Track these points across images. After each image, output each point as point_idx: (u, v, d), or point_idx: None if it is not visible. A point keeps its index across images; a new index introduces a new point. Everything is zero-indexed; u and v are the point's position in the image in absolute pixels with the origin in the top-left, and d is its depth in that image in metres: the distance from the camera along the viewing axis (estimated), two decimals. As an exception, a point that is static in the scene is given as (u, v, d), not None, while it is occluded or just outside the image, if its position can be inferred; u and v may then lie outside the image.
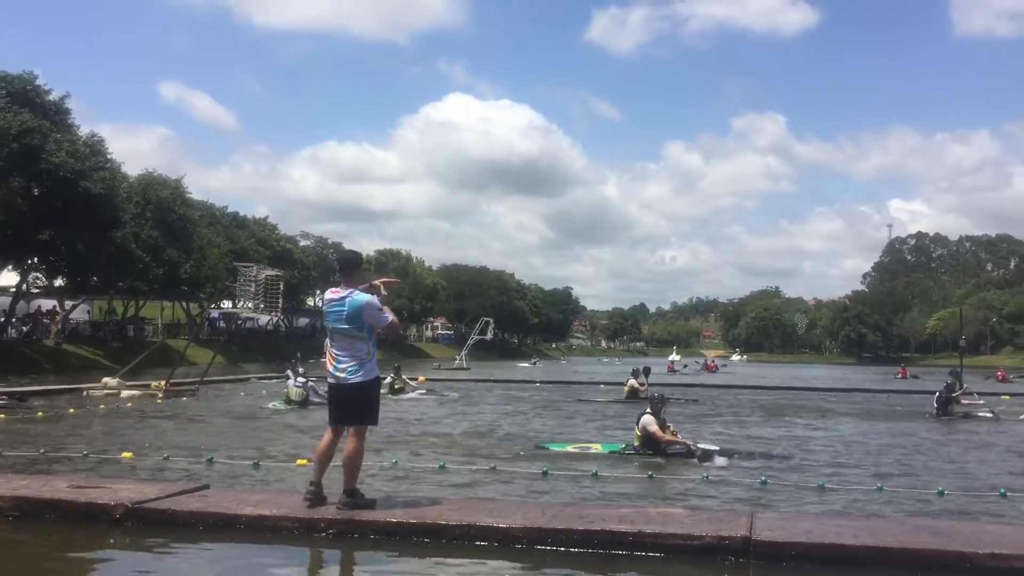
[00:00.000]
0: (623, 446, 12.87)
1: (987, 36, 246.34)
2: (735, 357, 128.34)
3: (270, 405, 20.24)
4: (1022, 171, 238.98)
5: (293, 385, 20.49)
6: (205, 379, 26.24)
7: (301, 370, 21.53)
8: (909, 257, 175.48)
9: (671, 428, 12.69)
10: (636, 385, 24.15)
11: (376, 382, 6.83)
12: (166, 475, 9.82)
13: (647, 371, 25.25)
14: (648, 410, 12.61)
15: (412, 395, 24.77)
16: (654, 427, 12.31)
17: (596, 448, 12.97)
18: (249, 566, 6.05)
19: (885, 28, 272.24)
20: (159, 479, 9.24)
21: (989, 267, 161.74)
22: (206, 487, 7.81)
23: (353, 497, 6.64)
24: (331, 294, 6.83)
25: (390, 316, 6.70)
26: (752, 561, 5.70)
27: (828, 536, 5.94)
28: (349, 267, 6.93)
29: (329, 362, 6.80)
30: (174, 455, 11.36)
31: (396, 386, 24.60)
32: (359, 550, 6.21)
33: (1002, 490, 9.46)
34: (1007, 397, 28.89)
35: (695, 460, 11.75)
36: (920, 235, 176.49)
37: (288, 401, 20.11)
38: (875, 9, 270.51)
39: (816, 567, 5.64)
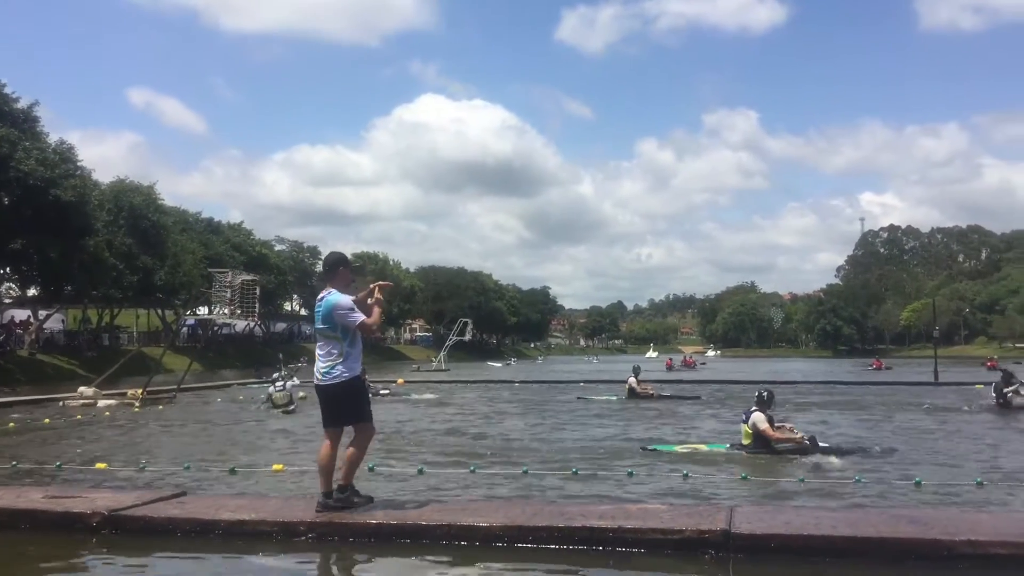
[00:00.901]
0: (728, 445, 12.58)
1: (952, 29, 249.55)
2: (709, 353, 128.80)
3: (261, 407, 20.89)
4: (991, 163, 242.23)
5: (274, 390, 21.09)
6: (182, 386, 26.05)
7: (284, 373, 22.40)
8: (882, 250, 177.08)
9: (787, 425, 12.48)
10: (633, 384, 23.97)
11: (350, 382, 6.69)
12: (143, 483, 9.73)
13: (636, 370, 25.08)
14: (755, 408, 12.32)
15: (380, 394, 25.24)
16: (765, 425, 12.05)
17: (703, 448, 12.65)
18: (228, 572, 6.00)
19: (853, 23, 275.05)
20: (136, 487, 9.16)
21: (961, 258, 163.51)
22: (183, 494, 7.75)
23: (345, 493, 6.62)
24: (320, 295, 6.85)
25: (360, 317, 6.63)
26: (732, 554, 5.73)
27: (806, 527, 5.98)
28: (329, 267, 6.97)
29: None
30: (151, 463, 11.26)
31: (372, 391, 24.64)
32: (339, 553, 6.18)
33: (977, 479, 9.55)
34: (980, 386, 29.19)
35: (806, 458, 11.51)
36: (892, 228, 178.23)
37: (274, 404, 20.70)
38: (842, 5, 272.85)
39: (795, 558, 5.67)
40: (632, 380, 24.14)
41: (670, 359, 62.17)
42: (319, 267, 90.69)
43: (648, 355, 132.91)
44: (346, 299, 6.69)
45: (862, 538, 5.76)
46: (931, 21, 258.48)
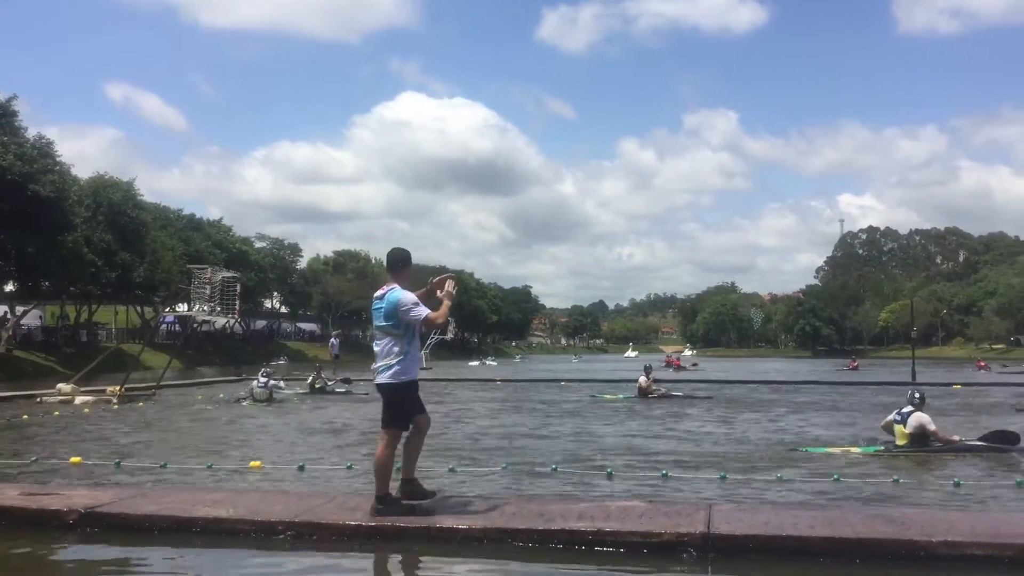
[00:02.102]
0: (881, 447, 12.35)
1: (930, 33, 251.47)
2: (686, 352, 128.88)
3: (244, 403, 21.83)
4: (969, 166, 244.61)
5: (256, 386, 22.55)
6: (161, 383, 25.87)
7: (270, 370, 24.28)
8: (861, 251, 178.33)
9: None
10: (643, 383, 23.75)
11: (406, 385, 6.59)
12: (120, 480, 9.65)
13: (648, 369, 24.85)
14: (911, 408, 12.07)
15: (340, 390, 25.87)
16: (934, 426, 11.89)
17: (855, 451, 12.36)
18: (204, 569, 5.97)
19: (832, 25, 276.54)
20: (113, 484, 9.08)
21: (939, 260, 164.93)
22: (160, 491, 7.71)
23: (384, 504, 6.44)
24: (378, 291, 6.75)
25: (425, 312, 6.49)
26: (711, 554, 5.76)
27: (785, 528, 6.02)
28: (395, 264, 6.81)
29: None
30: (129, 460, 11.16)
31: (316, 385, 25.53)
32: (317, 552, 6.15)
33: (956, 480, 9.62)
34: (958, 386, 29.50)
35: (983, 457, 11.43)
36: (871, 229, 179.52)
37: (256, 400, 22.03)
38: (822, 7, 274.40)
39: (774, 558, 5.70)
40: (643, 379, 23.97)
41: (677, 359, 61.06)
42: (300, 264, 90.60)
43: (627, 354, 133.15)
44: (410, 295, 6.58)
45: (839, 538, 5.80)
46: (909, 25, 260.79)
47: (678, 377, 40.22)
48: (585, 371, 47.50)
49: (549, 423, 17.34)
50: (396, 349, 6.53)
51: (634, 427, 16.58)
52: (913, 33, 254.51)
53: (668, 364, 63.12)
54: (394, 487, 6.64)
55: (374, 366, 6.68)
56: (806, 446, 13.04)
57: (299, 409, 20.63)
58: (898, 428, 12.21)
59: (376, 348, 6.68)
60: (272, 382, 23.23)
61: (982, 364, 50.27)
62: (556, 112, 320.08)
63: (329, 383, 26.82)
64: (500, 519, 6.35)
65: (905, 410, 12.23)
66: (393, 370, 6.52)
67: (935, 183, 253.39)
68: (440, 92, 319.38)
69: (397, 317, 6.49)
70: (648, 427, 16.54)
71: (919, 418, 11.95)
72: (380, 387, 6.61)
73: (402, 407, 6.63)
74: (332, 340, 44.78)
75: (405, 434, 6.70)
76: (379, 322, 6.61)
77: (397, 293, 6.54)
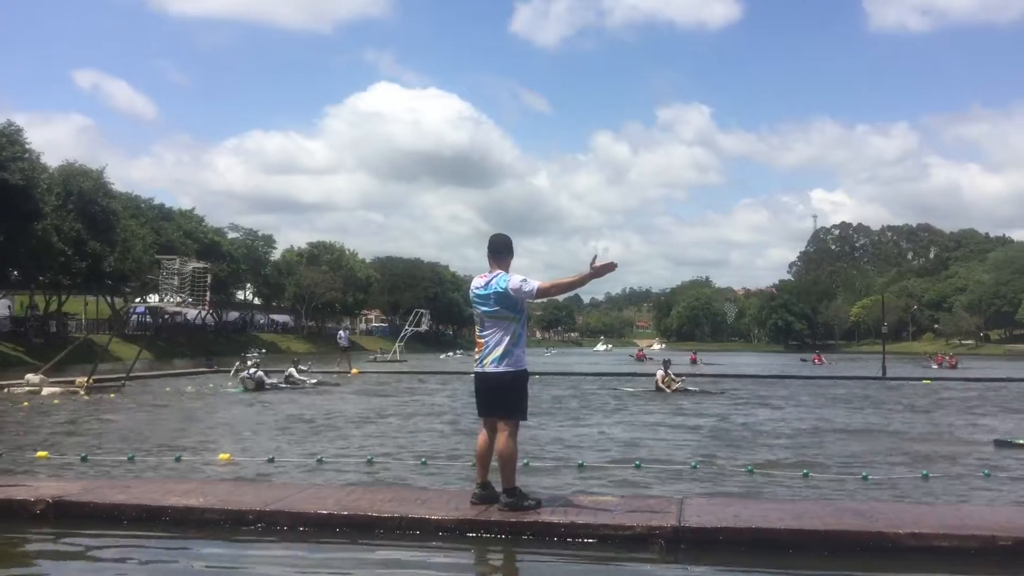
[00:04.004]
0: None
1: (900, 30, 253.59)
2: (655, 347, 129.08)
3: (234, 389, 23.27)
4: (940, 162, 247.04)
5: (245, 375, 23.86)
6: (131, 375, 25.63)
7: (257, 360, 25.43)
8: (833, 247, 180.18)
9: None
10: (658, 378, 23.73)
11: (523, 374, 6.48)
12: (88, 472, 9.55)
13: (667, 364, 24.89)
14: None
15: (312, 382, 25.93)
16: None
17: None
18: (174, 558, 5.91)
19: (805, 22, 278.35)
20: (81, 476, 8.98)
21: (910, 256, 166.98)
22: (129, 480, 7.64)
23: (513, 497, 6.34)
24: (478, 279, 6.63)
25: (535, 282, 6.34)
26: (682, 547, 5.79)
27: (754, 520, 6.06)
28: (498, 250, 6.67)
29: (477, 350, 6.61)
30: (97, 452, 11.06)
31: (292, 377, 25.62)
32: (287, 542, 6.11)
33: (924, 471, 9.73)
34: (927, 381, 29.84)
35: None
36: (844, 225, 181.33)
37: (246, 389, 23.22)
38: (795, 3, 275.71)
39: (743, 550, 5.74)
40: (660, 373, 23.97)
41: (694, 354, 60.38)
42: (274, 256, 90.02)
43: (597, 348, 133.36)
44: (516, 274, 6.48)
45: (808, 531, 5.85)
46: (880, 22, 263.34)
47: (694, 371, 40.19)
48: (560, 364, 47.56)
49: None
50: (510, 335, 6.40)
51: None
52: (884, 30, 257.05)
53: (639, 358, 63.70)
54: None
55: (479, 357, 6.54)
56: (1019, 437, 12.88)
57: (274, 400, 20.51)
58: None
59: (483, 338, 6.50)
60: (260, 372, 23.89)
61: (952, 360, 50.80)
62: (531, 105, 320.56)
63: (305, 377, 26.85)
64: (473, 511, 6.34)
65: None
66: (513, 357, 6.40)
67: (906, 180, 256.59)
68: (414, 83, 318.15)
69: (510, 298, 6.37)
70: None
71: None
72: (496, 377, 6.41)
73: (525, 395, 6.55)
74: (341, 332, 45.38)
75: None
76: (487, 308, 6.44)
77: (506, 276, 6.45)
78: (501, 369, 6.41)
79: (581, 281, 6.45)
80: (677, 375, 24.70)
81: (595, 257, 6.24)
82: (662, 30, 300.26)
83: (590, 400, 21.40)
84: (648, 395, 22.77)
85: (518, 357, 6.44)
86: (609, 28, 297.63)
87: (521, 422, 6.59)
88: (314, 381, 26.05)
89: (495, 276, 6.50)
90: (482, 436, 6.63)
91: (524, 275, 6.44)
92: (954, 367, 45.71)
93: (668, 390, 23.17)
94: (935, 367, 45.82)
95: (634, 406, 19.58)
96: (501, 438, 6.42)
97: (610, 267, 6.29)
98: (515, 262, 6.76)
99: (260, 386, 23.40)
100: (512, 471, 6.40)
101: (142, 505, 6.57)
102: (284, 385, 24.65)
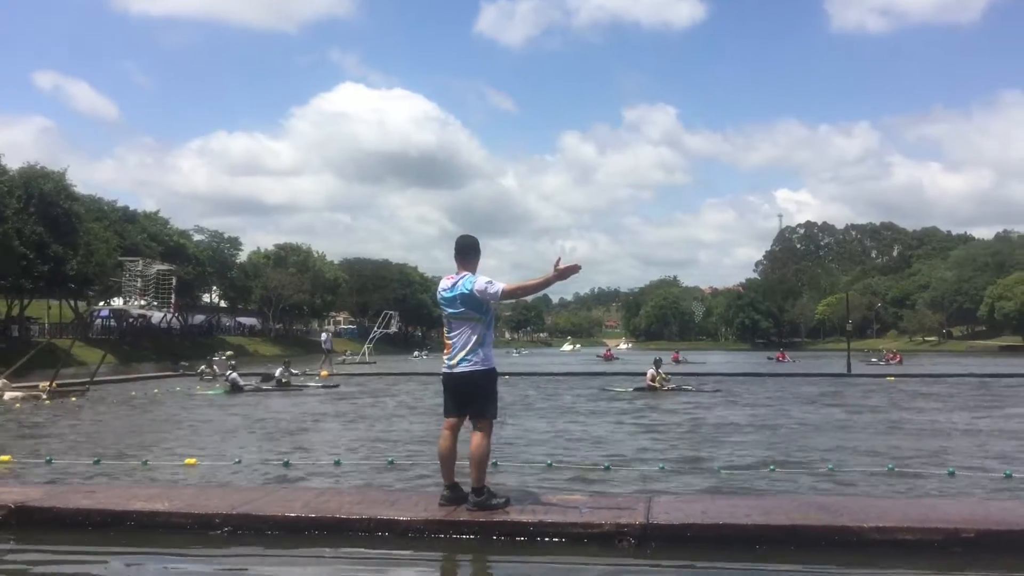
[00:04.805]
0: None
1: (860, 31, 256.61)
2: (621, 346, 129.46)
3: (209, 392, 23.38)
4: (901, 161, 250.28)
5: (228, 377, 24.20)
6: (95, 379, 25.29)
7: (233, 363, 25.90)
8: (799, 246, 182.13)
9: None
10: (649, 377, 23.86)
11: (492, 372, 6.50)
12: (51, 477, 9.40)
13: (657, 363, 24.98)
14: None
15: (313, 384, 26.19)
16: None
17: None
18: (139, 564, 5.84)
19: (768, 22, 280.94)
20: (44, 481, 8.84)
21: (874, 254, 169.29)
22: (94, 486, 7.54)
23: (482, 496, 6.33)
24: (445, 281, 6.62)
25: (500, 284, 6.36)
26: (651, 544, 5.82)
27: (721, 516, 6.10)
28: (464, 251, 6.67)
29: (445, 351, 6.59)
30: (60, 456, 10.89)
31: (283, 380, 25.59)
32: (255, 546, 6.05)
33: (889, 465, 9.85)
34: (891, 378, 30.23)
35: None
36: (809, 224, 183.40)
37: (227, 391, 23.38)
38: (760, 5, 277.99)
39: (711, 546, 5.77)
40: (651, 372, 24.05)
41: (676, 353, 60.32)
42: (240, 258, 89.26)
43: (564, 348, 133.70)
44: (482, 276, 6.48)
45: (774, 526, 5.90)
46: (841, 23, 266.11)
47: (679, 370, 40.38)
48: (532, 365, 47.64)
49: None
50: (476, 336, 6.42)
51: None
52: (846, 32, 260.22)
53: (607, 358, 64.05)
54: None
55: (447, 358, 6.54)
56: None
57: (244, 403, 20.34)
58: None
59: (451, 340, 6.52)
60: (235, 375, 24.13)
61: (898, 357, 52.22)
62: (497, 105, 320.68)
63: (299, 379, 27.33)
64: (441, 512, 6.33)
65: None
66: (479, 356, 6.41)
67: (869, 179, 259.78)
68: (379, 83, 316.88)
69: (476, 300, 6.39)
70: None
71: None
72: (466, 376, 6.43)
73: (495, 393, 6.55)
74: (324, 335, 45.97)
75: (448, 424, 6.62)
76: (453, 309, 6.46)
77: (472, 277, 6.47)
78: (469, 369, 6.43)
79: (546, 283, 6.47)
80: (667, 375, 24.88)
81: (559, 259, 6.27)
82: (628, 30, 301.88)
83: (559, 399, 21.46)
84: (631, 395, 22.86)
85: (486, 356, 6.46)
86: (575, 28, 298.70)
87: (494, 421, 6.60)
88: (313, 383, 26.46)
89: (461, 278, 6.51)
90: (444, 437, 6.61)
91: (490, 277, 6.46)
92: (900, 363, 48.20)
93: (661, 388, 23.31)
94: (882, 364, 47.50)
95: (612, 405, 19.65)
96: (475, 438, 6.43)
97: (574, 269, 6.33)
98: (483, 263, 6.77)
99: (236, 388, 23.43)
100: (482, 471, 6.40)
101: (107, 510, 6.47)
102: (266, 387, 24.60)
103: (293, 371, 26.98)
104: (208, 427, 15.47)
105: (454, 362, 6.47)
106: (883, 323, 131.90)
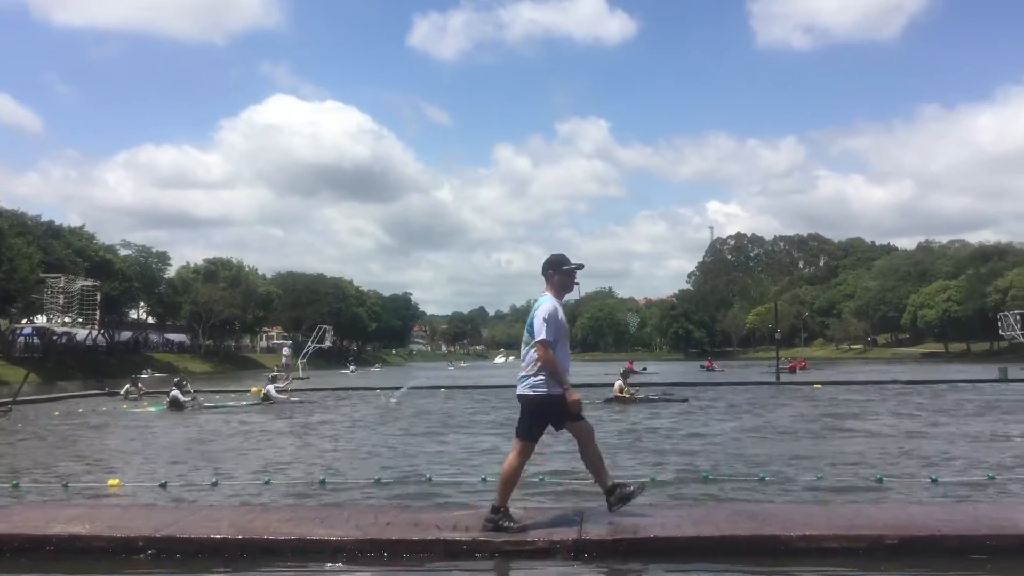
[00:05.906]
0: None
1: (786, 48, 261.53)
2: (499, 359, 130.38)
3: (152, 409, 23.39)
4: (827, 175, 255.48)
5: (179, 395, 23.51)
6: (18, 399, 24.46)
7: (188, 387, 25.12)
8: (729, 257, 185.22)
9: None
10: (616, 388, 23.82)
11: (543, 398, 6.29)
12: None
13: (625, 374, 25.15)
14: None
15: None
16: None
17: None
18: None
19: (696, 38, 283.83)
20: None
21: (801, 264, 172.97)
22: (11, 509, 7.27)
23: (497, 515, 6.19)
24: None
25: (543, 334, 6.20)
26: (584, 557, 5.83)
27: (652, 529, 6.15)
28: (544, 269, 6.60)
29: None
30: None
31: (262, 394, 25.64)
32: (178, 572, 5.89)
33: (818, 474, 10.02)
34: (818, 386, 30.91)
35: None
36: (739, 236, 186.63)
37: (163, 408, 23.14)
38: (688, 21, 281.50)
39: (644, 559, 5.82)
40: (618, 383, 23.99)
41: (631, 363, 60.06)
42: (169, 273, 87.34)
43: (497, 360, 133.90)
44: (550, 307, 6.34)
45: (704, 537, 5.97)
46: (766, 39, 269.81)
47: (637, 381, 40.57)
48: (470, 378, 47.53)
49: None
50: (532, 358, 6.32)
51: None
52: (771, 48, 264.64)
53: None
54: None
55: (520, 375, 6.45)
56: None
57: (176, 422, 19.87)
58: None
59: (522, 358, 6.49)
60: (175, 392, 23.43)
61: (803, 364, 54.13)
62: (432, 118, 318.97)
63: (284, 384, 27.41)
64: (374, 528, 6.25)
65: None
66: (531, 381, 6.32)
67: (796, 191, 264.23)
68: (311, 95, 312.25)
69: (532, 325, 6.34)
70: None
71: None
72: (519, 398, 6.43)
73: (537, 420, 6.40)
74: (284, 349, 45.96)
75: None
76: (527, 329, 6.43)
77: (542, 300, 6.44)
78: (522, 392, 6.42)
79: (558, 382, 6.30)
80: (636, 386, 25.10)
81: (578, 400, 6.33)
82: (561, 45, 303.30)
83: (497, 413, 21.41)
84: (593, 406, 22.72)
85: (536, 383, 6.34)
86: (508, 42, 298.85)
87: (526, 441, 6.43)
88: (296, 399, 26.00)
89: (538, 301, 6.53)
90: (511, 457, 6.46)
91: (546, 319, 6.30)
92: (805, 369, 51.65)
93: (629, 397, 23.35)
94: (790, 373, 48.98)
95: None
96: (509, 455, 6.45)
97: (574, 406, 6.35)
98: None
99: (176, 406, 22.94)
100: (506, 490, 6.31)
101: (24, 535, 6.25)
102: (210, 405, 24.06)
103: (278, 385, 26.55)
104: (134, 447, 15.06)
105: (520, 383, 6.45)
106: (811, 332, 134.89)
